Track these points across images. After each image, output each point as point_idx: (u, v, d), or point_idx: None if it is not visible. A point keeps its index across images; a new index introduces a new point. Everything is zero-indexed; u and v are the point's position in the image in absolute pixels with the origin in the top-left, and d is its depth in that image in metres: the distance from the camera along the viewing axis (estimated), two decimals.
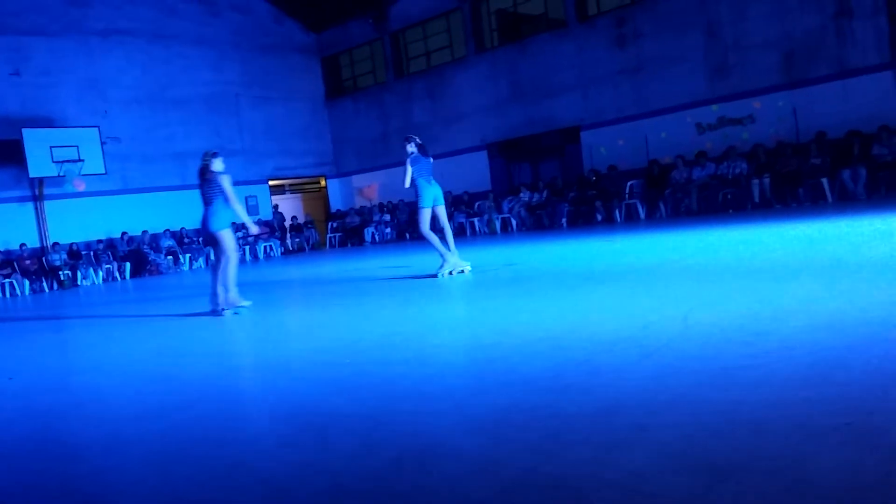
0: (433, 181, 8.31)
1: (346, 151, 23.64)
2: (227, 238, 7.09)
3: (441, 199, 8.38)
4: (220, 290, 7.08)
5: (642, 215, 15.36)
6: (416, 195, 8.27)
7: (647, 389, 2.98)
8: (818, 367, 2.96)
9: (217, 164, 7.06)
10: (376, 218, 21.05)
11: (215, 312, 7.11)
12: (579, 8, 17.58)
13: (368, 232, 20.69)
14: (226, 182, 6.98)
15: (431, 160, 8.45)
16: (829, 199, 12.70)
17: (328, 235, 22.05)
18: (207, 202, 7.05)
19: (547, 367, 3.55)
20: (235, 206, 7.08)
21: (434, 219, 8.32)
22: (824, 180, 12.79)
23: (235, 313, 7.07)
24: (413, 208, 20.19)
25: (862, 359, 3.01)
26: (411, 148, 8.29)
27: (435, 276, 8.16)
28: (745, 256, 7.02)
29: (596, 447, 2.41)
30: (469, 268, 8.35)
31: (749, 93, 14.85)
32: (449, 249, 8.25)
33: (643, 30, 16.39)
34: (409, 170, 8.14)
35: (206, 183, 7.05)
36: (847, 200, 12.32)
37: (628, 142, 16.72)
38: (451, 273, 8.17)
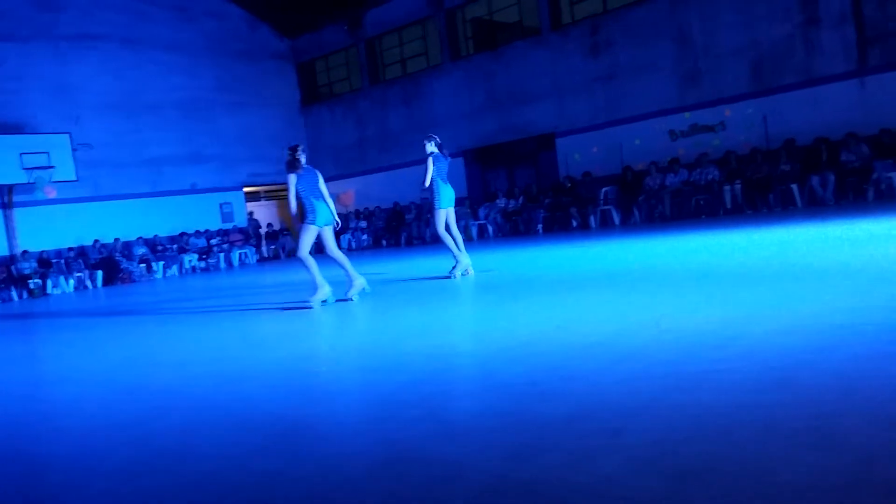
0: (448, 182, 8.23)
1: (321, 158, 23.50)
2: (330, 234, 7.18)
3: (454, 201, 8.29)
4: (321, 279, 7.06)
5: (617, 221, 15.49)
6: (433, 196, 8.12)
7: (620, 394, 3.00)
8: (787, 371, 3.01)
9: (304, 158, 7.00)
10: (352, 225, 20.98)
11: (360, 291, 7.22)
12: (553, 16, 17.73)
13: (345, 239, 20.61)
14: (321, 177, 7.01)
15: (450, 160, 8.39)
16: (799, 205, 12.92)
17: None
18: (310, 196, 6.92)
19: (521, 372, 3.56)
20: (329, 200, 7.14)
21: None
22: (794, 186, 13.01)
23: (324, 302, 7.07)
24: (389, 214, 20.41)
25: (830, 362, 3.06)
26: (432, 147, 8.16)
27: (448, 277, 8.15)
28: (716, 261, 7.10)
29: (568, 452, 2.42)
30: (472, 271, 8.34)
31: (720, 100, 15.07)
32: (460, 250, 8.22)
33: (616, 38, 16.56)
34: (431, 169, 8.00)
35: (306, 177, 6.94)
36: (816, 206, 12.54)
37: (602, 149, 16.87)
38: (463, 274, 8.17)
